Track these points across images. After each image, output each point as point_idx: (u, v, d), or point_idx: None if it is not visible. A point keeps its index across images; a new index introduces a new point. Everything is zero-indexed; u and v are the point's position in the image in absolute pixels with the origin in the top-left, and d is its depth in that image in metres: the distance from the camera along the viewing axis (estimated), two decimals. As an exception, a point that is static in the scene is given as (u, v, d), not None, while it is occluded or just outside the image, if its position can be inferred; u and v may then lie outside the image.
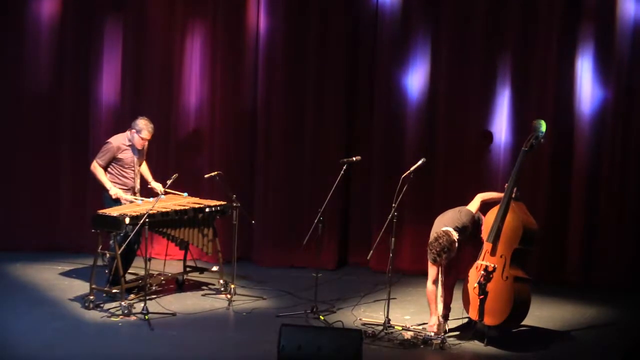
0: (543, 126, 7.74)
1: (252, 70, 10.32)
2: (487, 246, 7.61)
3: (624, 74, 9.60)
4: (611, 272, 9.67)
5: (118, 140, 8.83)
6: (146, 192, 9.08)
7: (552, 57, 9.71)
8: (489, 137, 9.66)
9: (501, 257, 7.52)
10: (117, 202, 8.71)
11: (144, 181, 9.11)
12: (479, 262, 7.61)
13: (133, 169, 8.88)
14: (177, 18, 10.32)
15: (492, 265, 7.51)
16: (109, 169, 8.81)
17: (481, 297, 7.49)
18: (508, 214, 7.55)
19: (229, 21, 10.28)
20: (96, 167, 8.75)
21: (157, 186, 8.92)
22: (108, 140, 8.87)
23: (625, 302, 9.16)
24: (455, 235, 7.47)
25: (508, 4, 9.77)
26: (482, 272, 7.51)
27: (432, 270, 7.67)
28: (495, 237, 7.54)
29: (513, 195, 7.63)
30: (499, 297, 7.48)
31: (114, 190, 8.71)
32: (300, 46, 10.21)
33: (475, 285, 7.53)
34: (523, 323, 7.94)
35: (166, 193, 8.77)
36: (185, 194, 8.98)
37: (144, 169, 9.13)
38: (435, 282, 7.69)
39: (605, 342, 7.97)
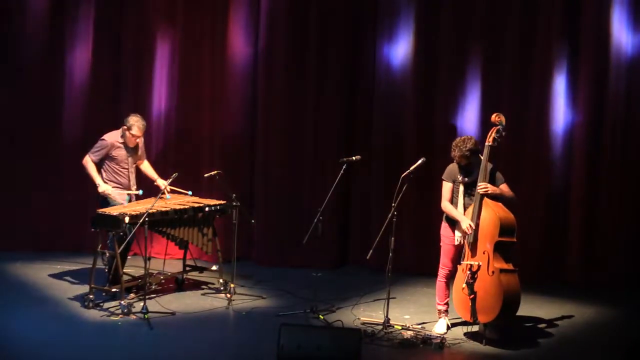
0: (503, 120, 7.81)
1: (252, 68, 10.33)
2: (468, 246, 7.62)
3: (623, 70, 9.65)
4: (611, 272, 9.67)
5: (112, 138, 8.82)
6: (154, 189, 9.02)
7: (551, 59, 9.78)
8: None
9: (484, 253, 7.52)
10: (106, 200, 8.70)
11: (148, 180, 9.11)
12: (463, 262, 7.61)
13: (127, 167, 8.87)
14: (178, 12, 10.34)
15: (477, 263, 7.51)
16: (103, 168, 8.80)
17: (471, 296, 7.49)
18: (482, 210, 7.57)
19: (229, 17, 10.27)
20: (88, 162, 8.74)
21: (162, 183, 8.91)
22: (102, 138, 8.85)
23: (625, 302, 9.17)
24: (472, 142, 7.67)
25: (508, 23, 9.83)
26: (468, 272, 7.52)
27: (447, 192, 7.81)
28: (474, 235, 7.56)
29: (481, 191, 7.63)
30: (489, 293, 7.46)
31: (103, 187, 8.70)
32: (301, 46, 10.21)
33: (464, 285, 7.53)
34: (522, 323, 7.92)
35: (171, 191, 8.77)
36: (190, 193, 8.98)
37: (147, 167, 9.12)
38: (450, 200, 7.80)
39: (605, 342, 7.98)
